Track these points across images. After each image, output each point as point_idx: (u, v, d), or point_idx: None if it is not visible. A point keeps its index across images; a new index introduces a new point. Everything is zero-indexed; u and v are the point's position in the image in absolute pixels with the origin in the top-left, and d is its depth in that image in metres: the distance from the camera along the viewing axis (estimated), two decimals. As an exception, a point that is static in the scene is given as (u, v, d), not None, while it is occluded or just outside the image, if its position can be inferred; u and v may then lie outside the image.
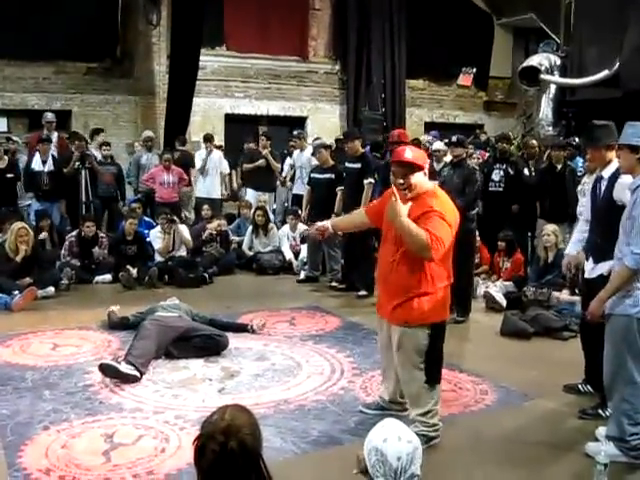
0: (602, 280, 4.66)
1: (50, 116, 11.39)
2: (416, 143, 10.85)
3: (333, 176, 9.36)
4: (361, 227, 5.47)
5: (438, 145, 10.91)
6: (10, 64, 13.13)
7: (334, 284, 9.24)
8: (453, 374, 5.89)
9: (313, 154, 10.93)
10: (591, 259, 5.14)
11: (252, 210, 11.12)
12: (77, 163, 10.63)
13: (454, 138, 8.49)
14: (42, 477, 4.06)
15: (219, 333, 6.51)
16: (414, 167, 4.34)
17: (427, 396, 4.48)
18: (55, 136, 11.46)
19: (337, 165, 9.62)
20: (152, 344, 5.99)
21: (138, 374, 5.64)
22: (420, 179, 4.37)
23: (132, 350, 5.82)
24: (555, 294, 7.59)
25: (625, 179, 4.81)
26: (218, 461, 2.23)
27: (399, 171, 4.41)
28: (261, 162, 12.00)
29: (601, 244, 4.93)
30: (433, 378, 4.47)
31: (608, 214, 4.85)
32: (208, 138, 12.45)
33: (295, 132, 12.94)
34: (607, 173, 5.06)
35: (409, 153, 4.42)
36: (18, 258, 8.44)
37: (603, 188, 5.04)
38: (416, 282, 4.32)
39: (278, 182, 12.49)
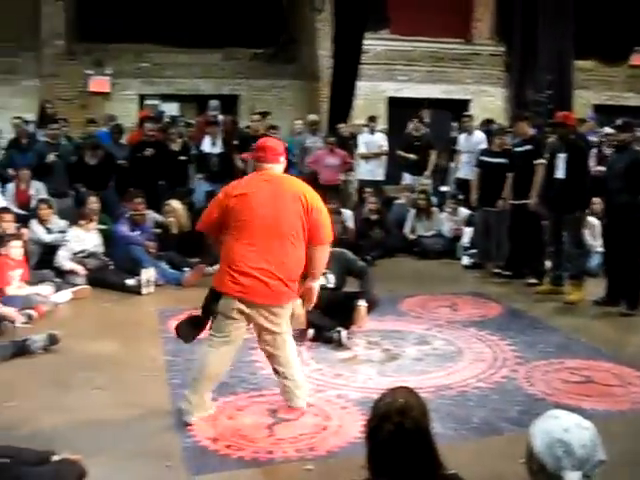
0: None
1: (214, 105, 11.81)
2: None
3: (506, 160, 8.96)
4: None
5: (609, 129, 10.45)
6: (182, 52, 13.72)
7: (497, 270, 9.02)
8: (620, 368, 5.63)
9: (491, 136, 10.55)
10: None
11: (413, 194, 11.06)
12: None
13: (619, 122, 8.05)
14: (210, 445, 4.26)
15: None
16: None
17: None
18: (220, 119, 11.84)
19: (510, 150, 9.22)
20: None
21: None
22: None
23: None
24: None
25: None
26: (393, 440, 2.30)
27: None
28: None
29: None
30: None
31: None
32: (372, 119, 12.41)
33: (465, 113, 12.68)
34: None
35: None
36: (175, 231, 9.17)
37: None
38: None
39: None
